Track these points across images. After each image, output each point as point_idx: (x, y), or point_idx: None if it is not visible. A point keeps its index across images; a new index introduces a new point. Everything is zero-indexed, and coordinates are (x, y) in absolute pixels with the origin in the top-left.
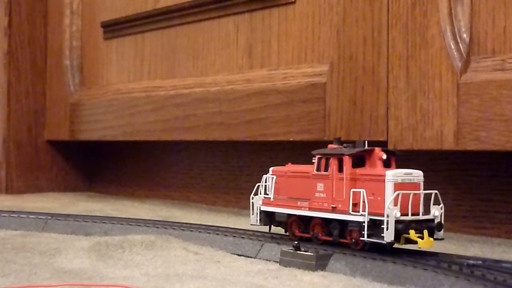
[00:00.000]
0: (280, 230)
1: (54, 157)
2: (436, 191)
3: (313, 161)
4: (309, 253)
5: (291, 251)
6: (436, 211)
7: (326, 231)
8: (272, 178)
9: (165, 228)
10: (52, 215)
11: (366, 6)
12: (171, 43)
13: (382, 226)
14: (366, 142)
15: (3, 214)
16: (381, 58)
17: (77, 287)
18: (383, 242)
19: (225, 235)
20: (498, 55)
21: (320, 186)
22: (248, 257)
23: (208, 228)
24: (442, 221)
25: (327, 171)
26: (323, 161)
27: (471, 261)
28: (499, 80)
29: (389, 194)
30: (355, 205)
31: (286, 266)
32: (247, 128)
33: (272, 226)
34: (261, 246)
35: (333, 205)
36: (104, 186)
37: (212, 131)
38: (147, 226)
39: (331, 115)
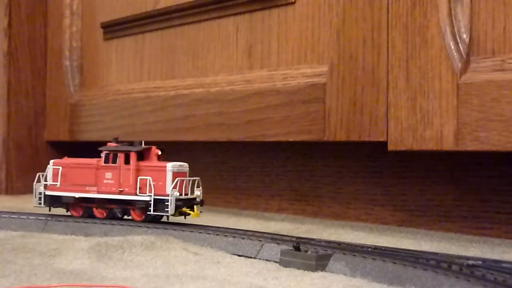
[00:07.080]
0: (62, 211)
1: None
2: (198, 178)
3: (101, 155)
4: (309, 253)
5: (291, 251)
6: (198, 192)
7: (111, 210)
8: (58, 168)
9: (165, 229)
10: (52, 216)
11: (366, 6)
12: (171, 44)
13: (167, 203)
14: (143, 142)
15: (3, 215)
16: (381, 58)
17: None
18: (167, 214)
19: (225, 235)
20: (498, 55)
21: (108, 175)
22: (248, 257)
23: (208, 228)
24: (202, 199)
25: (115, 163)
26: (111, 155)
27: (471, 261)
28: (499, 80)
29: (170, 180)
30: (141, 188)
31: (286, 267)
32: (246, 129)
33: (52, 207)
34: (261, 246)
35: (121, 189)
36: None
37: (212, 132)
38: (147, 227)
39: (331, 115)
